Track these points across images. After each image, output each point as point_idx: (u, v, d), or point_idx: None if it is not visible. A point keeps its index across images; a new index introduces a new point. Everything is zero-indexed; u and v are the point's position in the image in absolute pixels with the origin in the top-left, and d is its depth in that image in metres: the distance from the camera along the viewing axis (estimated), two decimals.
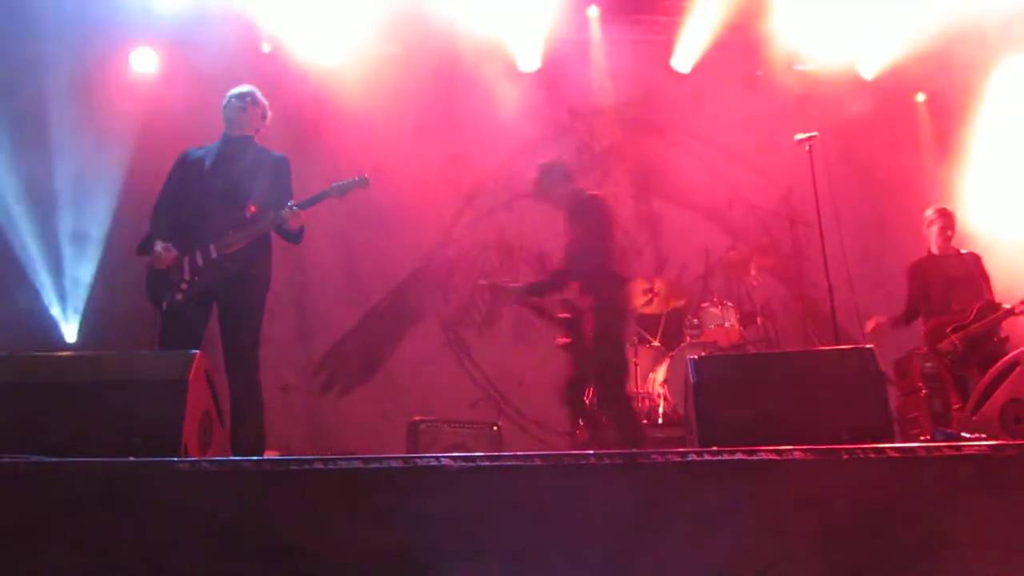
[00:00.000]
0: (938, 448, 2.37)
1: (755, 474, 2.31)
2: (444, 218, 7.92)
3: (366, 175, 4.36)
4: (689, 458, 2.39)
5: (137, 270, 4.27)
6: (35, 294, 6.52)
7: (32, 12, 6.62)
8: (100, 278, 6.71)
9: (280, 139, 4.58)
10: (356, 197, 4.42)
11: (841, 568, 2.21)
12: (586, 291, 4.62)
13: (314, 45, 7.39)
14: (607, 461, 2.34)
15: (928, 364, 6.01)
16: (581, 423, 4.98)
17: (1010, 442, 2.83)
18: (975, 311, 5.47)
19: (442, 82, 7.75)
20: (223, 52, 6.61)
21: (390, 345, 7.63)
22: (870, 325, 5.85)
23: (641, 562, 2.23)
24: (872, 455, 2.33)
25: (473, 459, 2.34)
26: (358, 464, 2.33)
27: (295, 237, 4.24)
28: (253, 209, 4.21)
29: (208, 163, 4.27)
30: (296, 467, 2.34)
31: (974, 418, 3.47)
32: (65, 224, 6.68)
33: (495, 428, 6.09)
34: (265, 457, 3.87)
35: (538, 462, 2.34)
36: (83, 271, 6.71)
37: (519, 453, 2.45)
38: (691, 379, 3.22)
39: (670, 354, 6.40)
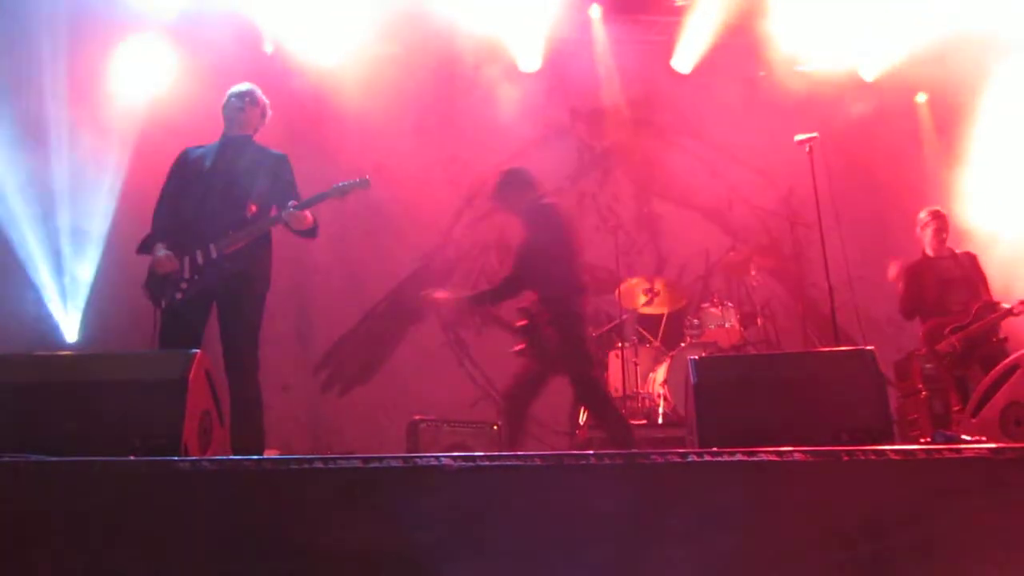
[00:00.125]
0: (938, 450, 2.37)
1: (755, 475, 2.31)
2: (444, 218, 7.93)
3: (367, 176, 4.36)
4: (689, 459, 2.39)
5: (137, 269, 4.27)
6: (35, 293, 6.51)
7: (31, 9, 6.62)
8: (100, 277, 6.71)
9: (280, 139, 4.58)
10: (357, 197, 4.41)
11: (840, 570, 2.21)
12: (542, 300, 4.56)
13: (314, 45, 7.40)
14: (607, 461, 2.34)
15: (928, 366, 6.01)
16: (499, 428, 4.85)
17: (1010, 445, 2.82)
18: (973, 312, 5.48)
19: (442, 82, 7.75)
20: (223, 51, 6.62)
21: (390, 345, 7.63)
22: (893, 271, 5.91)
23: (640, 562, 2.23)
24: (872, 457, 2.33)
25: (473, 459, 2.34)
26: (358, 463, 2.32)
27: (309, 234, 4.25)
28: (253, 208, 4.21)
29: (208, 162, 4.26)
30: (296, 466, 2.34)
31: (974, 421, 3.47)
32: (65, 222, 6.67)
33: (495, 428, 6.09)
34: (265, 456, 3.88)
35: (538, 462, 2.34)
36: (83, 270, 6.71)
37: (519, 453, 2.45)
38: (691, 380, 3.22)
39: (670, 354, 6.41)
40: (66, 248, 6.67)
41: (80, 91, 6.74)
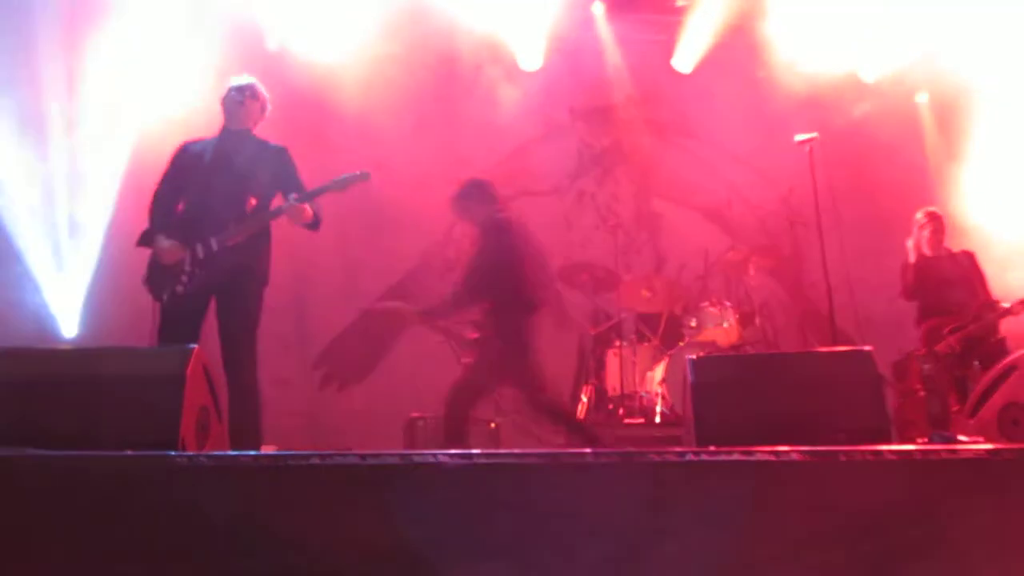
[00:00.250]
0: (935, 451, 2.38)
1: (752, 475, 2.31)
2: (443, 217, 7.91)
3: (367, 170, 4.36)
4: (686, 458, 2.39)
5: (136, 263, 4.26)
6: (34, 288, 6.51)
7: (30, 6, 6.62)
8: (99, 272, 6.70)
9: (281, 136, 4.57)
10: (356, 194, 4.42)
11: (837, 570, 2.21)
12: (491, 313, 4.58)
13: (316, 43, 7.39)
14: (604, 460, 2.34)
15: (927, 366, 6.01)
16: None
17: (1007, 446, 2.83)
18: (972, 312, 5.48)
19: (442, 80, 7.74)
20: (225, 47, 6.61)
21: (388, 341, 7.63)
22: None
23: (637, 560, 2.23)
24: (869, 457, 2.33)
25: (470, 456, 2.34)
26: (355, 460, 2.33)
27: (312, 226, 4.25)
28: (253, 202, 4.21)
29: (208, 157, 4.26)
30: (293, 462, 2.34)
31: (971, 421, 3.48)
32: (64, 217, 6.67)
33: (492, 426, 6.10)
34: (262, 452, 3.88)
35: (535, 460, 2.34)
36: (82, 265, 6.70)
37: (516, 451, 2.45)
38: (690, 379, 3.22)
39: (669, 353, 6.41)
40: (65, 242, 6.66)
41: (80, 85, 6.73)
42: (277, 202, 4.22)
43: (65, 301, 6.63)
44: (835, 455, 2.36)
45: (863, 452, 2.35)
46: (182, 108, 6.25)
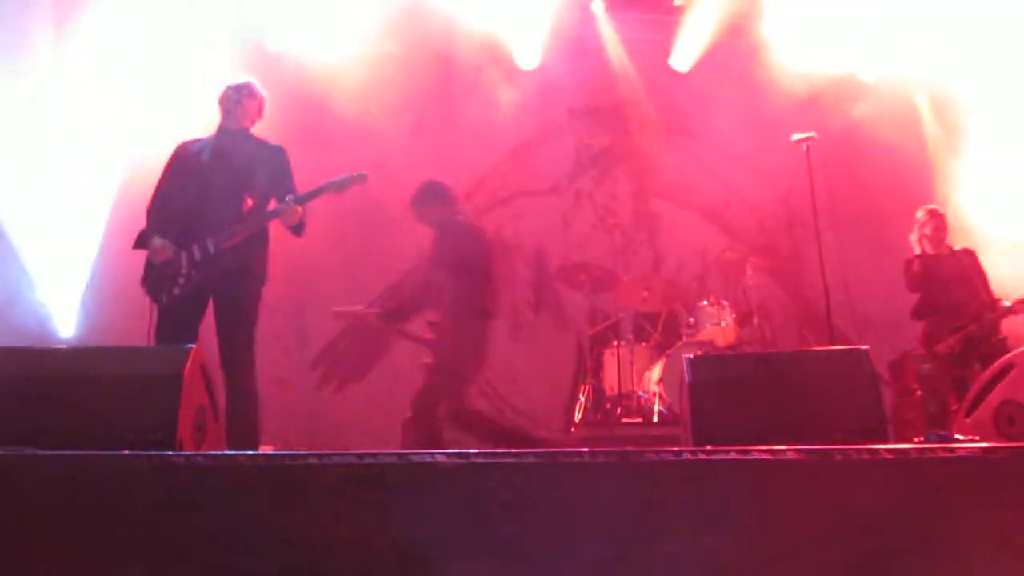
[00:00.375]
0: (931, 450, 2.38)
1: (749, 474, 2.32)
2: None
3: (364, 171, 4.36)
4: (683, 457, 2.39)
5: (134, 264, 4.26)
6: (31, 288, 6.50)
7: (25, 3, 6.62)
8: (97, 272, 6.70)
9: (278, 136, 4.57)
10: (355, 194, 4.42)
11: (832, 569, 2.21)
12: (446, 317, 4.62)
13: (313, 43, 7.39)
14: (601, 459, 2.35)
15: (925, 366, 6.02)
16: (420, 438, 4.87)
17: (1003, 444, 2.84)
18: (972, 311, 5.48)
19: (441, 80, 7.74)
20: (223, 48, 6.61)
21: (386, 341, 7.62)
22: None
23: (634, 560, 2.24)
24: (865, 456, 2.34)
25: (467, 455, 2.34)
26: (353, 459, 2.33)
27: (296, 230, 4.24)
28: (251, 203, 4.21)
29: (205, 156, 4.26)
30: (291, 462, 2.34)
31: (968, 420, 3.48)
32: (63, 216, 6.66)
33: None
34: (260, 452, 3.88)
35: (533, 460, 2.34)
36: (80, 265, 6.70)
37: (513, 450, 2.46)
38: (687, 378, 3.23)
39: (666, 353, 6.42)
40: (63, 242, 6.66)
41: (79, 85, 6.73)
42: (274, 203, 4.22)
43: (63, 300, 6.63)
44: (831, 454, 2.36)
45: (859, 451, 2.36)
46: (181, 108, 6.25)
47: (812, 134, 5.76)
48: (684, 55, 8.02)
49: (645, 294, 6.87)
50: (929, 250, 5.85)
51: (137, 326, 4.24)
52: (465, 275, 4.59)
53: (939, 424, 5.56)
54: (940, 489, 2.30)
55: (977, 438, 3.15)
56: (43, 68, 6.60)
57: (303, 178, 4.40)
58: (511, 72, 7.84)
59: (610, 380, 6.53)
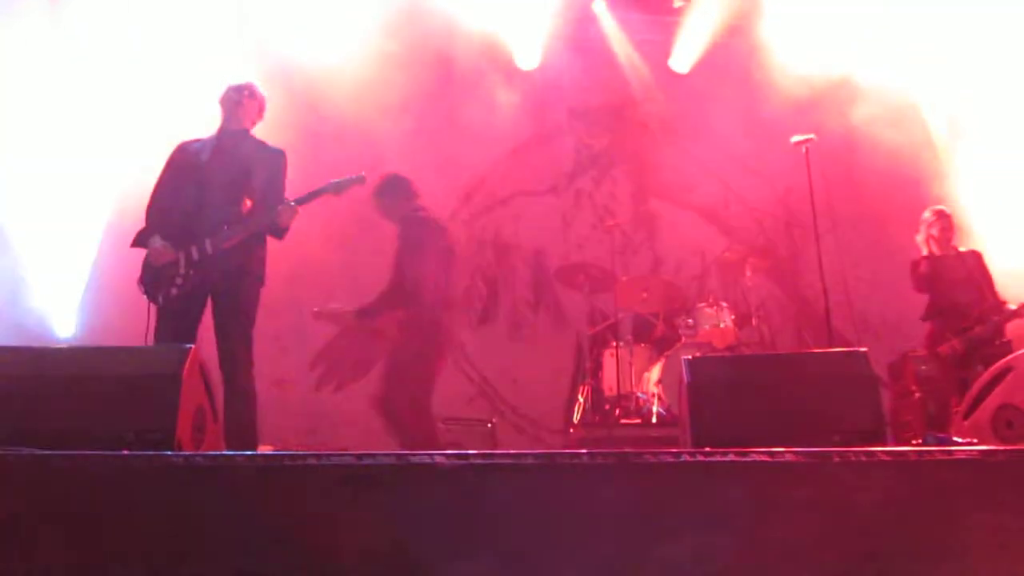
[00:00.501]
0: (929, 452, 2.38)
1: (747, 476, 2.32)
2: (441, 215, 7.91)
3: (363, 172, 4.36)
4: (682, 458, 2.40)
5: (133, 264, 4.26)
6: (29, 288, 6.50)
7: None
8: (95, 272, 6.70)
9: (277, 137, 4.57)
10: (354, 193, 4.42)
11: (830, 571, 2.22)
12: (411, 312, 4.67)
13: (313, 43, 7.39)
14: (600, 460, 2.35)
15: (924, 367, 6.01)
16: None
17: (1001, 447, 2.84)
18: (977, 313, 5.46)
19: (440, 80, 7.74)
20: (222, 49, 6.61)
21: (385, 341, 7.62)
22: None
23: (632, 562, 2.24)
24: (863, 458, 2.34)
25: (466, 456, 2.34)
26: (352, 460, 2.33)
27: (280, 233, 4.23)
28: (249, 204, 4.20)
29: (204, 156, 4.25)
30: (290, 462, 2.34)
31: (966, 423, 3.48)
32: (61, 216, 6.66)
33: (489, 425, 6.11)
34: (259, 452, 3.88)
35: (531, 461, 2.34)
36: (78, 265, 6.69)
37: (512, 452, 2.46)
38: (685, 379, 3.23)
39: (665, 354, 6.42)
40: (62, 243, 6.65)
41: (78, 83, 6.72)
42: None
43: (62, 300, 6.62)
44: (830, 456, 2.36)
45: (857, 453, 2.36)
46: (181, 109, 6.25)
47: (811, 136, 5.75)
48: (684, 56, 8.03)
49: (644, 295, 6.87)
50: (936, 251, 5.81)
51: (136, 326, 4.23)
52: (425, 268, 4.61)
53: (939, 426, 5.56)
54: (938, 492, 2.30)
55: (975, 441, 3.16)
56: (43, 68, 6.59)
57: (303, 178, 4.40)
58: (511, 72, 7.84)
59: (609, 381, 6.53)
